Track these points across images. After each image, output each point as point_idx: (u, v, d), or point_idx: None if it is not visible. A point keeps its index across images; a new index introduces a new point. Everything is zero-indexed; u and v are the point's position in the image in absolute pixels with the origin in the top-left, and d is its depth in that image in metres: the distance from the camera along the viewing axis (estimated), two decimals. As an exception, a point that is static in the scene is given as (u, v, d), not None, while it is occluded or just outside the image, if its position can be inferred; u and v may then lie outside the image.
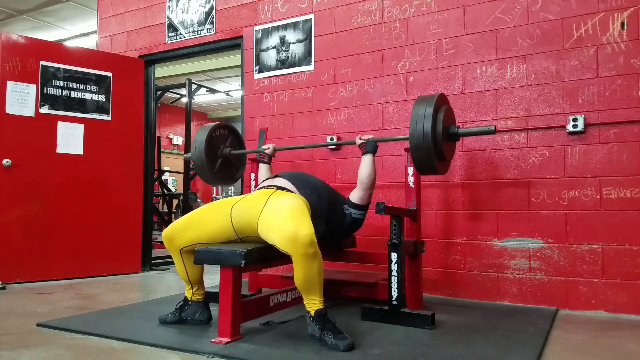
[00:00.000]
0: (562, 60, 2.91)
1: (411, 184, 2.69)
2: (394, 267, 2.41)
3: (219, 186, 11.60)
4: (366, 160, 2.69)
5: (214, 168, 3.13)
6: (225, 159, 3.18)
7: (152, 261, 4.61)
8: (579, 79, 2.86)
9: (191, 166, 5.86)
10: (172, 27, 4.45)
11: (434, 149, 2.37)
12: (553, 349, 2.08)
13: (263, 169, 3.10)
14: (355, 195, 2.69)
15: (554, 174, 2.90)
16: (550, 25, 2.94)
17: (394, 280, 2.41)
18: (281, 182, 2.49)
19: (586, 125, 2.82)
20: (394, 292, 2.41)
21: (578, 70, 2.87)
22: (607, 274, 2.74)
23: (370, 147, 2.71)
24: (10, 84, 3.75)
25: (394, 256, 2.42)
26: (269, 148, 3.08)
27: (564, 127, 2.88)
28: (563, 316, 2.69)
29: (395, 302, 2.41)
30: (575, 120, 2.83)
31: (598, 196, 2.79)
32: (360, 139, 2.75)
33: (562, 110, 2.90)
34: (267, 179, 2.67)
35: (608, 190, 2.77)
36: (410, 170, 2.69)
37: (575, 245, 2.83)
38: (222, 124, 3.22)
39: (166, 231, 2.37)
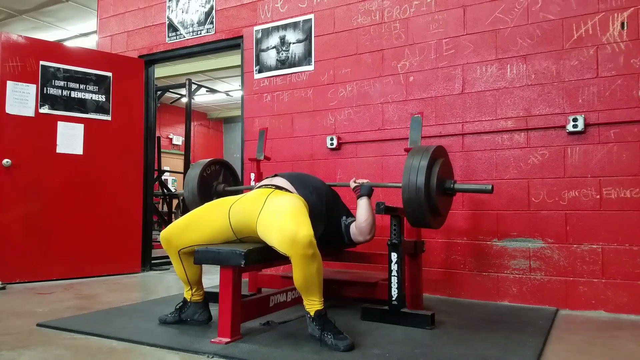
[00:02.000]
0: (562, 61, 2.91)
1: (411, 184, 2.68)
2: (394, 267, 2.41)
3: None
4: (362, 205, 2.52)
5: None
6: (219, 196, 3.03)
7: (152, 261, 4.61)
8: (579, 79, 2.86)
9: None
10: (172, 27, 4.45)
11: (427, 203, 2.23)
12: (553, 348, 2.08)
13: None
14: (354, 234, 2.58)
15: (554, 174, 2.90)
16: (550, 26, 2.94)
17: (394, 280, 2.41)
18: (280, 181, 2.48)
19: (586, 125, 2.82)
20: (394, 292, 2.41)
21: (578, 71, 2.87)
22: (607, 274, 2.74)
23: (365, 190, 2.55)
24: (10, 84, 3.75)
25: (394, 256, 2.42)
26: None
27: (564, 127, 2.88)
28: (563, 316, 2.69)
29: (395, 302, 2.41)
30: (575, 120, 2.83)
31: (598, 196, 2.79)
32: (355, 182, 2.64)
33: (562, 110, 2.90)
34: (266, 178, 2.65)
35: (608, 190, 2.77)
36: (410, 170, 2.68)
37: (575, 245, 2.83)
38: (214, 161, 3.13)
39: (164, 233, 2.35)
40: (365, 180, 2.65)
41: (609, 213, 2.76)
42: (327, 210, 2.52)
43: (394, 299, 2.41)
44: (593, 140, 2.82)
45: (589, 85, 2.84)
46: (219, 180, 3.14)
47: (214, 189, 3.09)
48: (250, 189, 2.97)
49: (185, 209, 5.59)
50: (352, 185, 2.64)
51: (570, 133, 2.86)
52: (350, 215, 2.67)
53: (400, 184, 2.29)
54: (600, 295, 2.75)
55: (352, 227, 2.58)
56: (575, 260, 2.82)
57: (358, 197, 2.56)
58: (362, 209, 2.51)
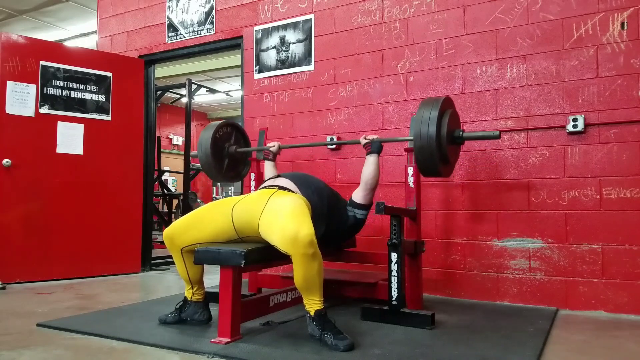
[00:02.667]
0: (562, 61, 2.91)
1: (411, 184, 2.69)
2: (394, 267, 2.41)
3: (219, 186, 11.61)
4: (371, 160, 2.70)
5: (223, 168, 3.18)
6: (231, 157, 3.22)
7: (152, 261, 4.61)
8: (579, 79, 2.86)
9: (191, 166, 5.86)
10: (172, 27, 4.45)
11: (438, 152, 2.40)
12: (553, 348, 2.08)
13: (268, 166, 3.11)
14: (358, 195, 2.70)
15: (554, 174, 2.91)
16: (550, 26, 2.94)
17: (394, 280, 2.41)
18: (283, 182, 2.49)
19: (586, 125, 2.82)
20: (394, 292, 2.41)
21: (578, 71, 2.87)
22: (607, 274, 2.74)
23: (376, 147, 2.72)
24: (10, 84, 3.75)
25: (393, 256, 2.42)
26: (274, 146, 3.11)
27: (564, 127, 2.88)
28: (563, 316, 2.69)
29: (395, 302, 2.41)
30: (575, 120, 2.83)
31: (598, 196, 2.79)
32: (365, 138, 2.76)
33: (562, 110, 2.90)
34: (270, 178, 2.67)
35: (608, 190, 2.77)
36: (410, 170, 2.68)
37: (575, 245, 2.83)
38: (225, 122, 3.23)
39: (167, 231, 2.37)
40: (375, 137, 2.77)
41: (609, 213, 2.76)
42: (328, 210, 2.53)
43: (394, 299, 2.41)
44: (593, 140, 2.82)
45: (589, 85, 2.84)
46: (230, 142, 3.24)
47: (225, 151, 3.19)
48: (259, 150, 3.20)
49: (185, 208, 5.59)
50: (363, 142, 2.77)
51: (570, 133, 2.86)
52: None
53: (411, 137, 2.51)
54: (600, 295, 2.75)
55: (355, 194, 2.71)
56: (575, 260, 2.82)
57: (368, 154, 2.73)
58: (371, 165, 2.69)
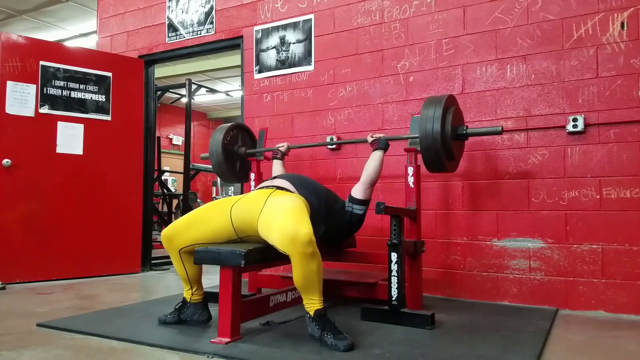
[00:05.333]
0: (562, 61, 2.91)
1: (411, 184, 2.69)
2: (394, 267, 2.41)
3: (219, 186, 11.61)
4: (376, 156, 2.75)
5: (236, 170, 3.30)
6: (242, 158, 3.33)
7: (152, 261, 4.61)
8: (578, 79, 2.86)
9: (191, 166, 5.86)
10: (172, 27, 4.45)
11: (443, 149, 2.52)
12: (553, 349, 2.08)
13: (277, 165, 3.18)
14: (357, 190, 2.70)
15: (553, 174, 2.91)
16: (550, 26, 2.94)
17: (394, 280, 2.41)
18: (280, 182, 2.49)
19: (586, 125, 2.82)
20: (394, 292, 2.41)
21: (578, 71, 2.87)
22: (607, 274, 2.74)
23: (383, 144, 2.79)
24: (10, 84, 3.75)
25: (393, 256, 2.42)
26: (283, 146, 3.23)
27: (563, 127, 2.88)
28: (563, 316, 2.69)
29: (395, 302, 2.41)
30: (575, 120, 2.83)
31: (598, 196, 2.79)
32: (372, 136, 2.85)
33: (562, 111, 2.90)
34: (267, 179, 2.67)
35: (608, 191, 2.77)
36: (410, 170, 2.69)
37: (575, 246, 2.83)
38: (233, 125, 3.33)
39: (165, 231, 2.36)
40: (382, 135, 2.85)
41: (609, 213, 2.76)
42: (326, 211, 2.53)
43: (393, 299, 2.41)
44: (593, 140, 2.82)
45: (589, 85, 2.84)
46: (239, 144, 3.34)
47: (236, 154, 3.30)
48: (271, 150, 3.27)
49: (185, 208, 5.59)
50: (370, 139, 2.85)
51: (570, 133, 2.86)
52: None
53: (417, 135, 2.61)
54: (600, 295, 2.75)
55: (354, 189, 2.72)
56: (575, 260, 2.82)
57: (374, 150, 2.79)
58: (376, 161, 2.73)
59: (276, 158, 3.21)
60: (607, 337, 2.27)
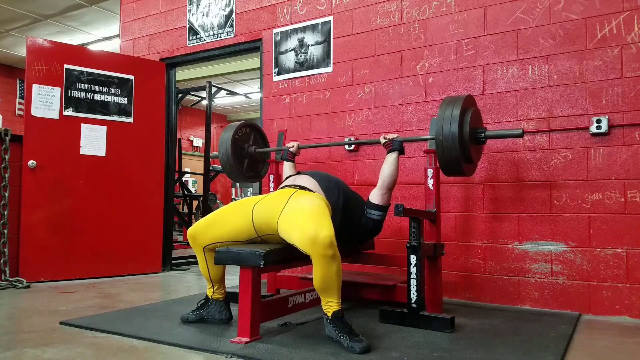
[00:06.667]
0: (585, 61, 2.86)
1: (430, 186, 2.67)
2: (413, 269, 2.39)
3: (238, 187, 11.68)
4: (391, 159, 2.62)
5: (243, 168, 3.25)
6: (251, 157, 3.28)
7: (173, 261, 4.67)
8: (602, 79, 2.81)
9: (211, 167, 5.91)
10: (192, 31, 4.50)
11: (461, 151, 2.40)
12: (575, 354, 2.04)
13: (287, 166, 3.10)
14: (375, 195, 2.62)
15: (576, 176, 2.85)
16: (573, 25, 2.90)
17: (413, 283, 2.39)
18: (303, 180, 2.50)
19: (610, 126, 2.77)
20: (413, 295, 2.39)
21: (602, 71, 2.81)
22: (632, 278, 2.68)
23: (397, 146, 2.65)
24: (35, 87, 3.84)
25: (413, 259, 2.40)
26: (293, 146, 3.11)
27: (587, 128, 2.83)
28: (586, 321, 2.64)
29: (414, 305, 2.39)
30: (598, 121, 2.78)
31: (622, 199, 2.73)
32: (385, 137, 2.71)
33: (585, 112, 2.85)
34: (290, 176, 2.68)
35: (633, 193, 2.71)
36: (430, 172, 2.67)
37: (598, 249, 2.77)
38: (245, 123, 3.29)
39: (190, 230, 2.42)
40: (395, 135, 2.70)
41: (633, 216, 2.70)
42: (346, 204, 2.51)
43: (413, 301, 2.39)
44: (617, 142, 2.76)
45: (613, 85, 2.78)
46: (249, 142, 3.31)
47: (245, 151, 3.26)
48: (278, 151, 3.22)
49: (205, 210, 5.64)
50: (382, 140, 2.71)
51: (594, 134, 2.81)
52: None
53: (433, 137, 2.48)
54: (625, 300, 2.69)
55: (372, 194, 2.63)
56: (599, 264, 2.77)
57: (388, 152, 2.65)
58: (391, 164, 2.60)
59: (286, 159, 3.09)
60: (632, 344, 2.22)
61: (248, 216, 2.35)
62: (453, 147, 2.39)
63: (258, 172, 3.39)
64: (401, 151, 2.66)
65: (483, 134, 2.57)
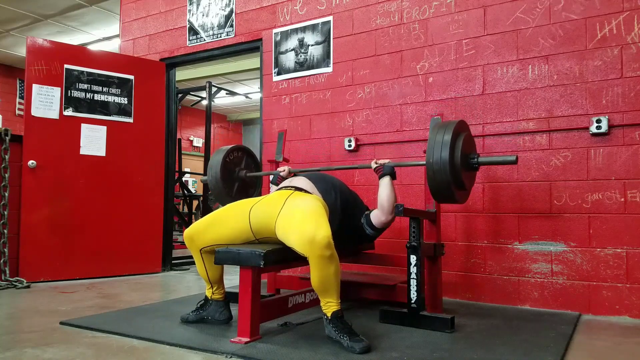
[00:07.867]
0: (585, 61, 2.86)
1: (430, 186, 2.66)
2: (413, 269, 2.39)
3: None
4: (384, 184, 2.51)
5: (232, 192, 3.13)
6: (242, 181, 3.20)
7: (173, 261, 4.66)
8: (602, 79, 2.81)
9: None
10: (192, 31, 4.50)
11: (452, 178, 2.24)
12: (575, 354, 2.04)
13: (274, 190, 2.89)
14: (375, 216, 2.55)
15: (576, 176, 2.85)
16: (573, 25, 2.90)
17: (413, 283, 2.39)
18: (299, 181, 2.50)
19: (610, 126, 2.77)
20: (413, 295, 2.39)
21: (602, 71, 2.81)
22: (632, 278, 2.68)
23: (388, 170, 2.55)
24: (35, 87, 3.84)
25: (413, 259, 2.40)
26: (284, 170, 2.98)
27: (587, 128, 2.83)
28: (586, 321, 2.64)
29: (414, 305, 2.39)
30: (598, 121, 2.78)
31: (622, 199, 2.73)
32: (376, 162, 2.62)
33: (585, 112, 2.85)
34: (286, 179, 2.68)
35: (633, 193, 2.71)
36: (430, 172, 2.66)
37: (598, 249, 2.77)
38: (236, 147, 3.21)
39: (187, 231, 2.41)
40: (387, 160, 2.62)
41: (633, 216, 2.70)
42: (344, 205, 2.51)
43: (413, 301, 2.39)
44: (617, 142, 2.76)
45: (613, 85, 2.78)
46: (241, 166, 3.23)
47: (236, 174, 3.18)
48: (271, 174, 3.09)
49: (205, 210, 5.65)
50: (374, 165, 2.62)
51: (594, 134, 2.81)
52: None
53: (423, 162, 2.31)
54: (625, 300, 2.69)
55: (373, 213, 2.57)
56: (599, 264, 2.77)
57: (380, 177, 2.56)
58: (385, 189, 2.50)
59: (276, 184, 2.92)
60: (632, 344, 2.22)
61: (245, 219, 2.34)
62: (445, 175, 2.22)
63: (248, 195, 3.22)
64: (392, 176, 2.55)
65: (476, 160, 2.38)
